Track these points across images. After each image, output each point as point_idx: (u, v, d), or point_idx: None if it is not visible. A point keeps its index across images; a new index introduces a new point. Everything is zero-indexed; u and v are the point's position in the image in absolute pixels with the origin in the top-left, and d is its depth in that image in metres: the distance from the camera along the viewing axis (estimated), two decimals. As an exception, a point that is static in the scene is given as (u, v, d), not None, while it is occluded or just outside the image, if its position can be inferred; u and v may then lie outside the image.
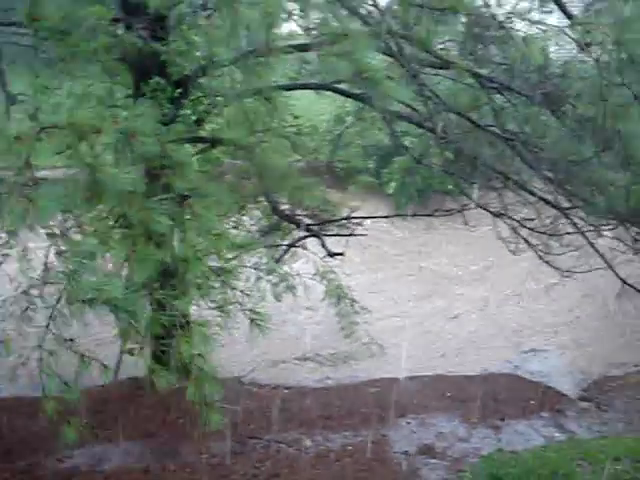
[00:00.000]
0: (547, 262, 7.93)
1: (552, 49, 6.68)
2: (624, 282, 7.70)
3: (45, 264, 5.34)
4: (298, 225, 8.70)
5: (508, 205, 7.86)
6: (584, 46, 3.74)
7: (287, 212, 8.68)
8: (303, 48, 6.87)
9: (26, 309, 5.81)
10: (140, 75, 7.95)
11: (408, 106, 8.17)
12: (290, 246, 8.81)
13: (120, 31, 7.33)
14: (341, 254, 8.52)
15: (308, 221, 8.83)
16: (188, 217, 6.01)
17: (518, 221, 7.83)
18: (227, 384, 10.50)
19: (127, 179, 4.50)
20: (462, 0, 6.16)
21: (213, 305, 8.04)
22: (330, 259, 9.17)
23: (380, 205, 15.81)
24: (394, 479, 9.09)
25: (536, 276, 12.80)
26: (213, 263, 6.61)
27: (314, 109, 14.34)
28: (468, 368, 11.83)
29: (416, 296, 13.99)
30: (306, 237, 8.79)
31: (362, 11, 6.46)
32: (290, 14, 5.82)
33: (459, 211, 9.03)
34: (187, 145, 8.34)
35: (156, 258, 5.11)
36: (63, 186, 4.51)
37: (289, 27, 6.39)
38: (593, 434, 10.22)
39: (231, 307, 7.30)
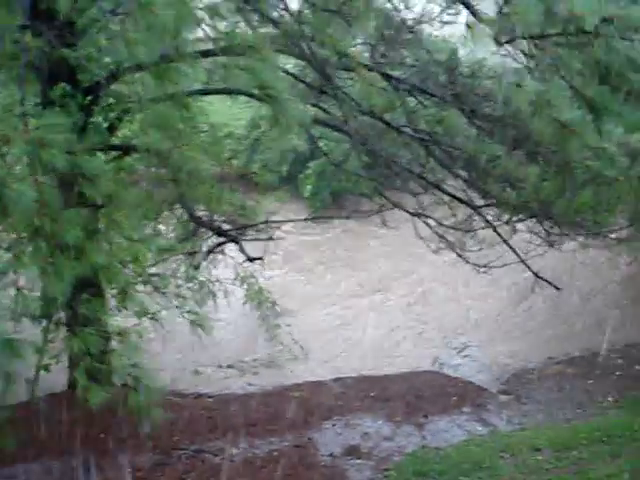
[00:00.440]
0: (464, 258, 8.08)
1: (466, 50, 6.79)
2: (537, 276, 7.91)
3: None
4: (215, 231, 8.62)
5: (424, 205, 7.97)
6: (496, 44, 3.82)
7: (204, 218, 8.59)
8: (214, 53, 6.83)
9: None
10: (50, 82, 7.74)
11: (323, 110, 8.20)
12: (208, 252, 8.73)
13: (28, 38, 7.11)
14: (260, 259, 8.49)
15: (226, 227, 8.76)
16: (103, 225, 5.88)
17: (435, 220, 7.95)
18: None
19: (37, 191, 4.37)
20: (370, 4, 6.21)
21: (140, 313, 7.94)
22: (249, 264, 9.13)
23: (298, 209, 15.83)
24: (321, 482, 9.10)
25: (454, 274, 13.05)
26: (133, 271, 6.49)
27: (229, 114, 14.29)
28: (391, 368, 11.93)
29: (337, 298, 14.03)
30: (224, 243, 8.73)
31: (274, 16, 6.46)
32: (200, 20, 5.76)
33: (375, 213, 9.11)
34: (100, 153, 8.19)
35: (73, 270, 4.97)
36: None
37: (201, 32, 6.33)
38: (514, 426, 10.45)
39: (165, 312, 7.22)
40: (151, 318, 8.04)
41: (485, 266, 7.83)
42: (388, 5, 7.06)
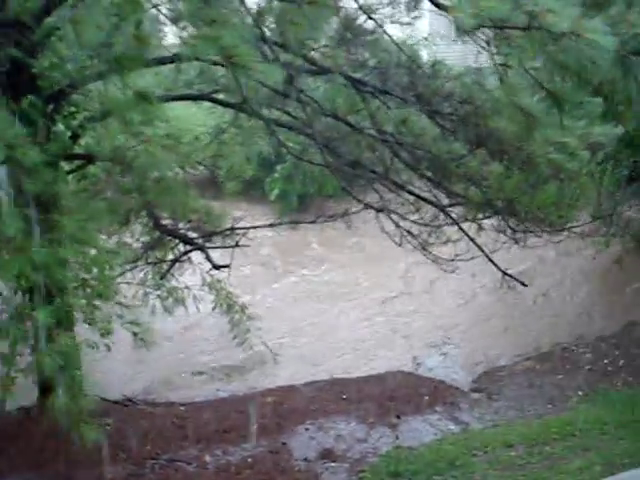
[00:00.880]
0: (430, 258, 8.11)
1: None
2: (504, 273, 7.97)
3: None
4: (181, 239, 8.57)
5: (390, 205, 8.00)
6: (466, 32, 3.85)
7: (170, 226, 8.53)
8: (178, 59, 6.81)
9: None
10: (10, 91, 7.63)
11: (287, 113, 8.20)
12: (174, 261, 8.67)
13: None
14: (227, 266, 8.44)
15: (192, 234, 8.71)
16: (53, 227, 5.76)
17: (399, 214, 7.96)
18: (117, 405, 10.33)
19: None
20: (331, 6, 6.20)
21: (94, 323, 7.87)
22: (217, 270, 9.08)
23: (265, 213, 15.82)
24: (296, 486, 9.08)
25: (424, 274, 13.12)
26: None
27: (192, 120, 14.23)
28: (363, 369, 11.94)
29: (307, 301, 14.04)
30: (190, 251, 8.68)
31: (235, 19, 6.43)
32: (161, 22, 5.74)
33: (341, 216, 9.14)
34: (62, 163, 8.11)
35: (15, 265, 4.89)
36: None
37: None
38: (486, 423, 10.50)
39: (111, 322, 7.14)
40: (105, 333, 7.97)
41: (453, 260, 7.84)
42: (349, 7, 7.08)
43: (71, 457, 9.20)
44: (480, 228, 7.63)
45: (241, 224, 9.01)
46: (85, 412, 5.15)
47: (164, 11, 6.38)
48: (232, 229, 8.74)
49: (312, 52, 7.19)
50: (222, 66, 5.81)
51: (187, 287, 9.27)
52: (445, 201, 7.64)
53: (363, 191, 8.62)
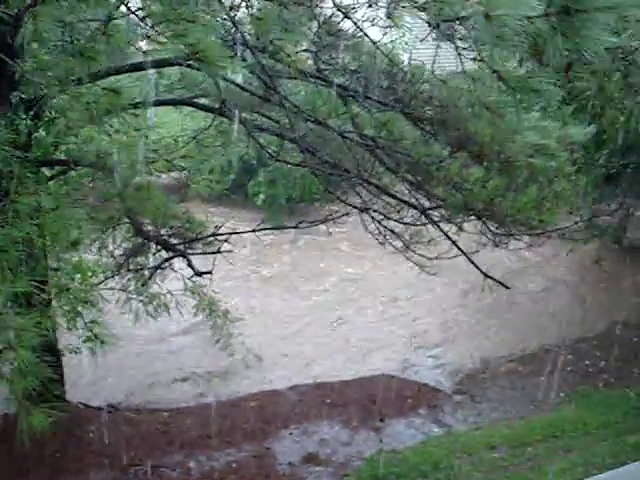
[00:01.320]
0: (413, 261, 8.12)
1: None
2: (485, 275, 7.99)
3: None
4: (163, 245, 8.53)
5: (372, 209, 8.01)
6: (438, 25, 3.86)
7: (151, 232, 8.49)
8: (160, 64, 6.80)
9: None
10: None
11: (268, 117, 8.20)
12: (156, 268, 8.63)
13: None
14: (209, 272, 8.42)
15: (174, 241, 8.68)
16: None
17: (382, 213, 7.96)
18: (100, 412, 10.28)
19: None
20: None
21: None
22: (199, 276, 9.05)
23: (249, 217, 15.79)
24: (280, 491, 9.10)
25: (410, 278, 13.15)
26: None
27: (174, 125, 14.19)
28: (346, 373, 11.95)
29: (291, 306, 14.03)
30: (172, 258, 8.65)
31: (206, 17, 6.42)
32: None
33: (323, 222, 9.15)
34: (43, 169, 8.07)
35: None
36: None
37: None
38: (469, 426, 10.58)
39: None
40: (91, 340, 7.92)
41: (437, 257, 7.85)
42: (329, 11, 7.09)
43: (54, 464, 9.18)
44: (460, 229, 7.65)
45: (222, 230, 8.99)
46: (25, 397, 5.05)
47: (136, 11, 6.35)
48: (213, 235, 8.72)
49: (293, 56, 7.20)
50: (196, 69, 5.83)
51: (169, 292, 9.23)
52: (426, 204, 7.66)
53: (345, 195, 8.65)
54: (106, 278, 8.83)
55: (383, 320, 13.71)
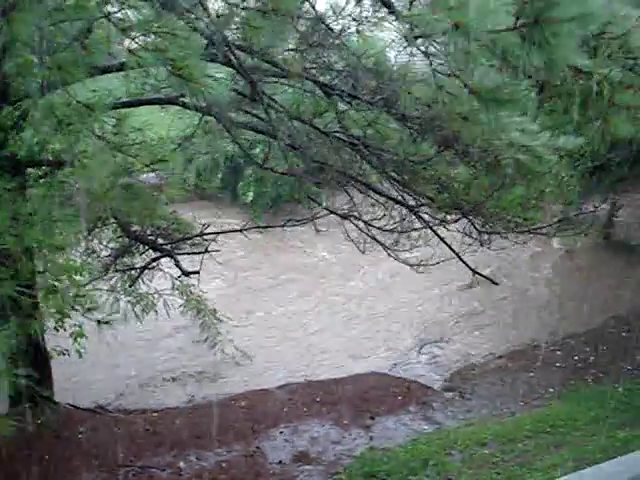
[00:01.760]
0: (397, 259, 8.11)
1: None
2: (474, 272, 8.01)
3: None
4: (150, 245, 8.51)
5: (359, 207, 8.00)
6: (412, 40, 3.82)
7: (138, 233, 8.46)
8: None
9: None
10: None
11: (255, 116, 8.17)
12: (144, 268, 8.61)
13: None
14: (197, 272, 8.40)
15: (161, 241, 8.66)
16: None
17: (365, 222, 7.96)
18: (90, 413, 10.24)
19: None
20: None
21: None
22: (187, 276, 9.03)
23: (237, 216, 15.74)
24: (271, 490, 9.09)
25: (398, 276, 13.16)
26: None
27: (161, 124, 14.12)
28: (335, 372, 11.95)
29: (280, 304, 14.01)
30: (159, 258, 8.63)
31: (200, 24, 6.39)
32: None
33: (310, 220, 9.13)
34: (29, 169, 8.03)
35: None
36: None
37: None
38: (459, 422, 10.58)
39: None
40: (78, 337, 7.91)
41: (422, 260, 7.86)
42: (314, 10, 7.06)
43: (43, 466, 9.14)
44: (446, 228, 7.66)
45: (210, 229, 8.97)
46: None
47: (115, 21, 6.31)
48: (200, 235, 8.70)
49: (278, 56, 7.17)
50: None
51: (157, 292, 9.21)
52: (412, 203, 7.66)
53: (333, 193, 8.64)
54: (94, 279, 8.80)
55: (372, 318, 13.70)
